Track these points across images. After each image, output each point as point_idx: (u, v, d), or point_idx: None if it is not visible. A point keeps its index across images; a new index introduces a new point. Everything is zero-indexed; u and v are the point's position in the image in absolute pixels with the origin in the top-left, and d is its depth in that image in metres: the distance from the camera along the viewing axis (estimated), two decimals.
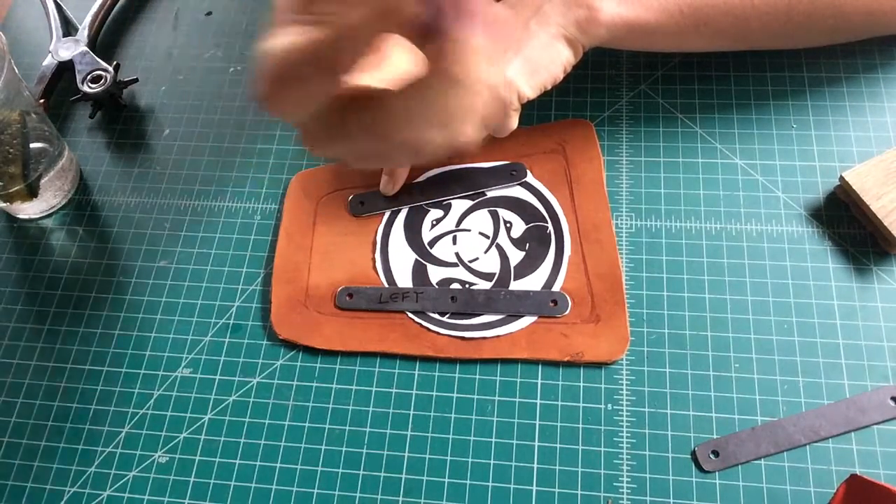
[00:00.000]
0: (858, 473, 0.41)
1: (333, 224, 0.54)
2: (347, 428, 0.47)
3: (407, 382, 0.48)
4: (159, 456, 0.47)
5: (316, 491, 0.45)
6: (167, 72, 0.64)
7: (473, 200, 0.53)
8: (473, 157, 0.54)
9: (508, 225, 0.52)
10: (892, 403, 0.44)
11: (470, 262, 0.51)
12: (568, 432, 0.45)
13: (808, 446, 0.43)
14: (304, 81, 0.29)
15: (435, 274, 0.51)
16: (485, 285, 0.50)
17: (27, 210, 0.57)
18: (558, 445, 0.45)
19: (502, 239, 0.51)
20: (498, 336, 0.48)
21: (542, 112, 0.56)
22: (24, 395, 0.50)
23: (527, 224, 0.52)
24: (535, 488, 0.44)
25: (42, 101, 0.61)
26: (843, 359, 0.45)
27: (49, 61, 0.63)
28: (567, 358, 0.47)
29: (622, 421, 0.45)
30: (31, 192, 0.55)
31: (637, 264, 0.50)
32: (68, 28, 0.64)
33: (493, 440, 0.45)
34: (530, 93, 0.47)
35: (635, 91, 0.56)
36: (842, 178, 0.49)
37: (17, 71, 0.51)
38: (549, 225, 0.51)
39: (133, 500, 0.46)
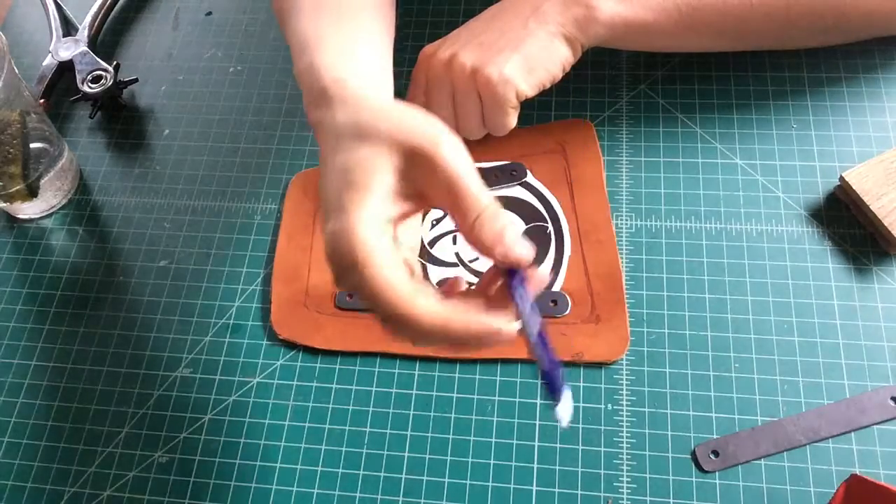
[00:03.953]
0: (858, 473, 0.41)
1: None
2: (347, 428, 0.47)
3: (407, 382, 0.48)
4: (159, 456, 0.47)
5: (316, 491, 0.45)
6: (167, 72, 0.64)
7: None
8: (473, 158, 0.54)
9: None
10: (892, 403, 0.44)
11: (470, 262, 0.51)
12: (568, 432, 0.45)
13: (808, 446, 0.43)
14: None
15: (435, 274, 0.51)
16: None
17: (27, 210, 0.57)
18: (558, 445, 0.45)
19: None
20: None
21: (542, 112, 0.56)
22: (24, 395, 0.50)
23: (527, 224, 0.52)
24: (535, 488, 0.44)
25: (42, 101, 0.61)
26: (843, 359, 0.45)
27: (49, 61, 0.63)
28: (567, 358, 0.47)
29: (622, 421, 0.45)
30: (31, 192, 0.55)
31: (637, 264, 0.50)
32: (68, 28, 0.64)
33: (493, 440, 0.45)
34: (529, 91, 0.47)
35: (635, 91, 0.56)
36: (842, 179, 0.49)
37: (17, 71, 0.51)
38: (549, 225, 0.51)
39: (133, 500, 0.46)
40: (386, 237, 0.34)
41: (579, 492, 0.43)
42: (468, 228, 0.34)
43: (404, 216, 0.36)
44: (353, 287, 0.34)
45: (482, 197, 0.34)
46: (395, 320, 0.33)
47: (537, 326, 0.34)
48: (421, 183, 0.35)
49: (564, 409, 0.33)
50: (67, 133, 0.61)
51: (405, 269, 0.34)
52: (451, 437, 0.46)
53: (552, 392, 0.33)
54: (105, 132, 0.61)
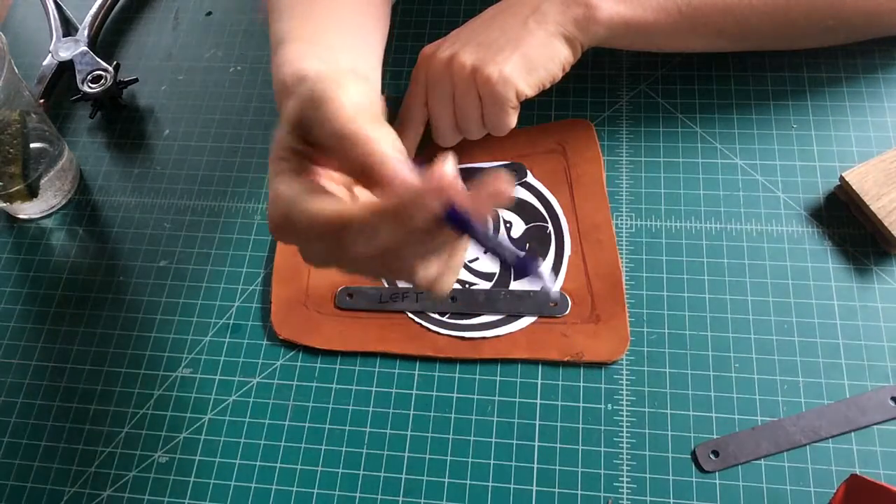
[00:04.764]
0: (858, 473, 0.41)
1: None
2: (347, 428, 0.47)
3: (407, 382, 0.48)
4: (159, 456, 0.47)
5: (316, 491, 0.45)
6: (167, 72, 0.64)
7: None
8: (473, 158, 0.54)
9: (508, 225, 0.52)
10: (892, 403, 0.44)
11: (470, 262, 0.51)
12: (568, 432, 0.45)
13: (808, 446, 0.43)
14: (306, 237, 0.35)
15: None
16: (485, 285, 0.50)
17: (27, 210, 0.57)
18: (558, 445, 0.45)
19: (502, 239, 0.51)
20: (498, 336, 0.48)
21: (542, 112, 0.56)
22: (24, 395, 0.50)
23: (527, 224, 0.52)
24: (535, 488, 0.44)
25: (42, 101, 0.61)
26: (843, 359, 0.45)
27: (49, 61, 0.63)
28: (567, 358, 0.47)
29: (622, 421, 0.45)
30: (31, 192, 0.55)
31: (637, 264, 0.50)
32: (68, 28, 0.64)
33: (493, 440, 0.45)
34: (528, 91, 0.47)
35: (635, 91, 0.56)
36: (842, 179, 0.49)
37: (17, 71, 0.51)
38: (549, 225, 0.51)
39: (133, 500, 0.46)
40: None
41: (579, 492, 0.43)
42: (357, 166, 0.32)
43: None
44: (293, 214, 0.33)
45: (374, 135, 0.32)
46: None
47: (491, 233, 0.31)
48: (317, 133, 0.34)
49: (545, 275, 0.30)
50: (67, 133, 0.61)
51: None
52: (451, 437, 0.46)
53: (529, 272, 0.31)
54: (105, 132, 0.61)
